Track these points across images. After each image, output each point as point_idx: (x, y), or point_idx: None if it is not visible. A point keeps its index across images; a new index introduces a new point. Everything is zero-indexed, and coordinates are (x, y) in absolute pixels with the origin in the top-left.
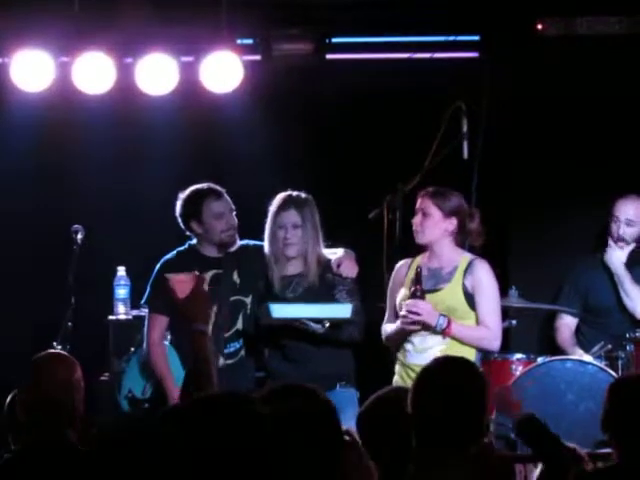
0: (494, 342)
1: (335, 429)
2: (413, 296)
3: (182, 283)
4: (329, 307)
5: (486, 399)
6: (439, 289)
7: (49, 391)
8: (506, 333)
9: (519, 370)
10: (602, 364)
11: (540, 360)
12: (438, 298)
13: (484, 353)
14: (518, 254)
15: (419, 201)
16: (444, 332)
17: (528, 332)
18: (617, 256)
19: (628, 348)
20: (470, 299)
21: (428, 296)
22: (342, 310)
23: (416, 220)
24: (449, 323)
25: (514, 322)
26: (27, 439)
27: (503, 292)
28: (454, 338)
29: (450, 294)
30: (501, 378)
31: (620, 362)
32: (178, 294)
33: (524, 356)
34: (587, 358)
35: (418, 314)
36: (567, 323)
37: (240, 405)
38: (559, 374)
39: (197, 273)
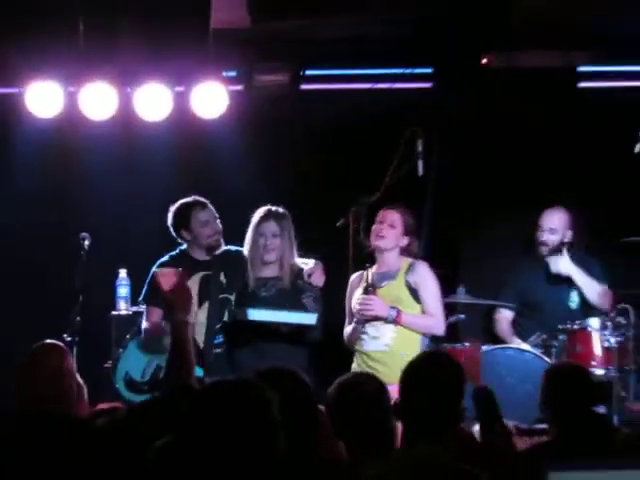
0: (440, 328)
1: (313, 405)
2: (366, 292)
3: (166, 276)
4: (298, 315)
5: (463, 388)
6: (386, 285)
7: (43, 376)
8: (455, 326)
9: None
10: (538, 352)
11: (484, 348)
12: (385, 291)
13: (432, 338)
14: (466, 257)
15: (388, 212)
16: (395, 322)
17: (474, 324)
18: (563, 261)
19: (561, 337)
20: (414, 293)
21: (377, 291)
22: (309, 318)
23: (381, 227)
24: (399, 313)
25: (462, 316)
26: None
27: (452, 290)
28: (404, 326)
29: (396, 287)
30: None
31: (554, 350)
32: (163, 286)
33: (470, 345)
34: (525, 346)
35: (370, 307)
36: (505, 316)
37: (253, 390)
38: (502, 360)
39: (180, 269)
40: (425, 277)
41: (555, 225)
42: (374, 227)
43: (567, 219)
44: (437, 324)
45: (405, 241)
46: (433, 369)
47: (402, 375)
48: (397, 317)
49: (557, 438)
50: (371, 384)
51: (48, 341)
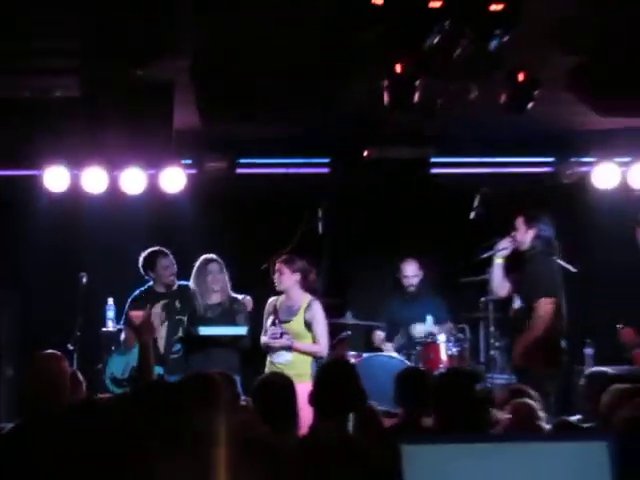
0: (324, 353)
1: (236, 395)
2: (273, 324)
3: (137, 317)
4: (233, 328)
5: (360, 383)
6: (290, 320)
7: (43, 377)
8: (345, 339)
9: (352, 361)
10: (402, 358)
11: (365, 355)
12: (289, 326)
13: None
14: (353, 290)
15: (276, 264)
16: (291, 349)
17: (358, 338)
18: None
19: (418, 348)
20: (309, 327)
21: (283, 324)
22: (241, 330)
23: (275, 276)
24: (292, 345)
25: (349, 332)
26: (31, 409)
27: (342, 314)
28: (297, 351)
29: (296, 324)
30: None
31: (413, 357)
32: (135, 321)
33: (355, 353)
34: (394, 354)
35: (275, 342)
36: (379, 333)
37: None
38: (377, 363)
39: (147, 310)
40: (318, 314)
41: (411, 272)
42: (273, 276)
43: (419, 266)
44: (322, 350)
45: (297, 277)
46: (337, 370)
47: (316, 374)
48: (291, 347)
49: (405, 421)
50: (283, 381)
51: (48, 350)
